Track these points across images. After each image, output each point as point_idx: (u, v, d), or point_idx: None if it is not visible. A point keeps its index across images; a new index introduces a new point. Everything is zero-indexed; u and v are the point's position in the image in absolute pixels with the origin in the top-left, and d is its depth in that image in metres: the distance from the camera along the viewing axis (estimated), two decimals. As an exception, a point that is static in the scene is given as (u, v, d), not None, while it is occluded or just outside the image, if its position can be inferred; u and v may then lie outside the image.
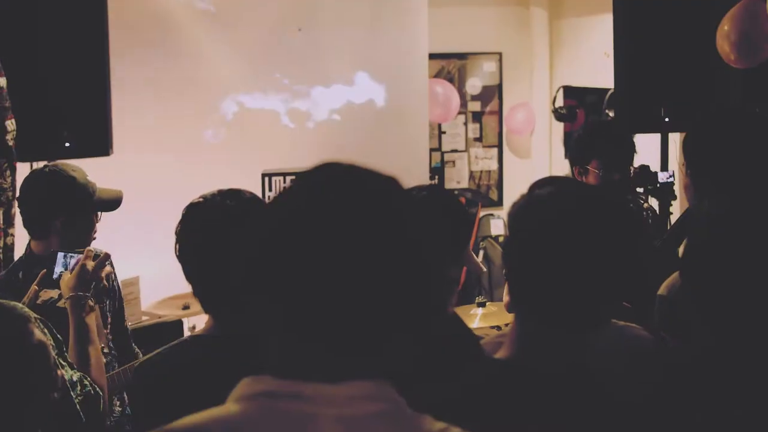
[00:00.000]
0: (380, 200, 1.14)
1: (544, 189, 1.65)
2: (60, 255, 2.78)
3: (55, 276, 2.70)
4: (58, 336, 2.15)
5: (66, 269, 2.71)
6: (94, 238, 3.04)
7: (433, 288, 1.15)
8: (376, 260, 1.10)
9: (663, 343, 1.95)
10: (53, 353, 1.57)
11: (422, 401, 1.16)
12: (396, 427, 1.13)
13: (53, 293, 2.66)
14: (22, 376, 1.47)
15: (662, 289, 2.44)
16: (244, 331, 1.99)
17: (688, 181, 2.53)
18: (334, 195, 1.12)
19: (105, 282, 2.68)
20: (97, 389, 2.28)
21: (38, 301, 2.68)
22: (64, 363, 2.17)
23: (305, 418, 1.10)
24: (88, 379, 2.27)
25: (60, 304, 2.74)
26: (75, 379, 2.19)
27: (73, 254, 2.77)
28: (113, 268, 3.11)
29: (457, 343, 1.63)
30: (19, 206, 3.06)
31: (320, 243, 1.09)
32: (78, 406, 2.16)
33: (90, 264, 2.61)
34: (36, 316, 2.05)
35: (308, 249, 1.10)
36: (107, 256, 2.68)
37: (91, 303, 2.56)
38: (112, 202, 3.04)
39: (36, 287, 2.68)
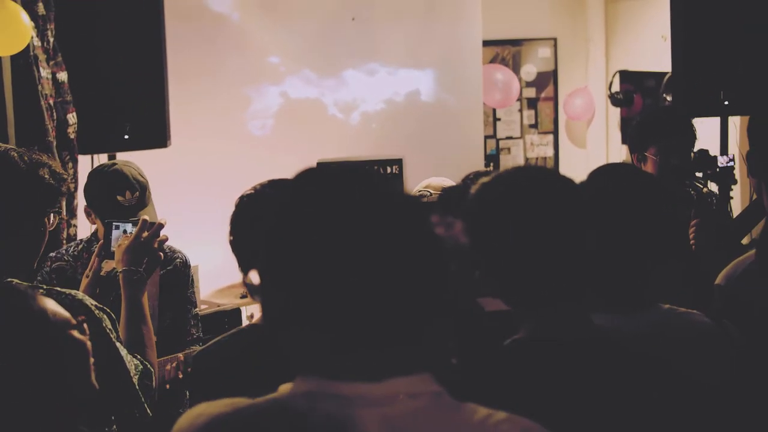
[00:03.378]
0: (392, 196, 1.16)
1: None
2: (113, 225, 2.77)
3: (112, 247, 2.66)
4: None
5: (119, 239, 2.66)
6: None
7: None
8: (402, 252, 1.10)
9: (725, 329, 1.94)
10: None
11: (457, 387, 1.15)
12: (440, 421, 1.11)
13: (114, 264, 2.63)
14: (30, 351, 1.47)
15: (720, 279, 2.41)
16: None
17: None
18: (354, 195, 1.15)
19: (161, 252, 2.61)
20: (148, 365, 2.31)
21: (102, 273, 2.68)
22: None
23: (346, 420, 1.08)
24: (138, 356, 2.29)
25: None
26: (129, 357, 2.21)
27: (125, 223, 2.75)
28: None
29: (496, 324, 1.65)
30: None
31: (349, 238, 1.10)
32: (137, 386, 2.19)
33: (143, 236, 2.54)
34: (95, 303, 2.08)
35: (341, 245, 1.09)
36: (160, 226, 2.59)
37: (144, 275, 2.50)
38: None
39: (96, 258, 2.70)
